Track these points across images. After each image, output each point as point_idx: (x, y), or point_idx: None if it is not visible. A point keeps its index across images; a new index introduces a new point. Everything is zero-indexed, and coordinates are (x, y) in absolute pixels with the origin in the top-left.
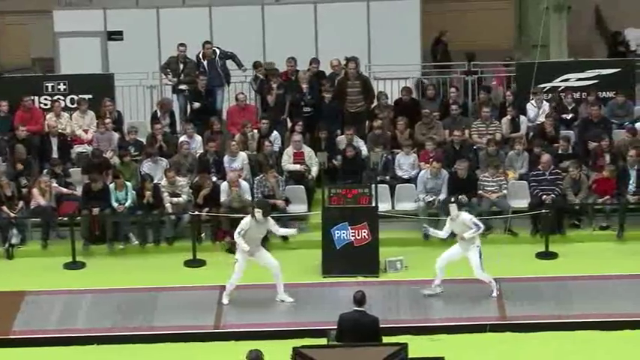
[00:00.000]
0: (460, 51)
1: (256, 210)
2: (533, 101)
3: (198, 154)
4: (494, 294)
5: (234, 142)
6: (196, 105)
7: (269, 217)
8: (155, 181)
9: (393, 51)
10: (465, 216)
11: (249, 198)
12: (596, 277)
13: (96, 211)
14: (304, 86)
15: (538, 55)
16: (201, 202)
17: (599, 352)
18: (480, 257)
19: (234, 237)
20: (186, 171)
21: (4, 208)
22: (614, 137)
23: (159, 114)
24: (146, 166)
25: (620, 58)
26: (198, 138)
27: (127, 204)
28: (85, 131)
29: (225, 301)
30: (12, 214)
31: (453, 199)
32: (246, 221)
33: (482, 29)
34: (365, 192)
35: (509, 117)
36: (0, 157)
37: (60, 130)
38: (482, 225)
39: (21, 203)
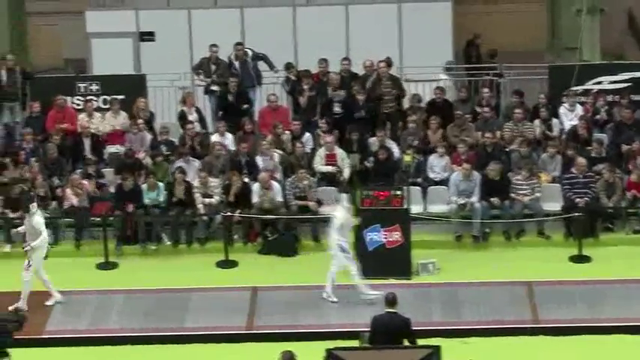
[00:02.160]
0: (492, 53)
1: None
2: (566, 104)
3: (229, 154)
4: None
5: (265, 143)
6: (246, 106)
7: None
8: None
9: (425, 53)
10: None
11: (281, 199)
12: (630, 281)
13: (131, 207)
14: (335, 88)
15: (579, 56)
16: (232, 199)
17: (633, 357)
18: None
19: None
20: (218, 172)
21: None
22: None
23: (185, 110)
24: (178, 166)
25: None
26: (230, 136)
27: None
28: (118, 132)
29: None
30: (45, 214)
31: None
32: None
33: (515, 31)
34: (397, 194)
35: (541, 119)
36: (33, 157)
37: (92, 131)
38: None
39: (54, 203)
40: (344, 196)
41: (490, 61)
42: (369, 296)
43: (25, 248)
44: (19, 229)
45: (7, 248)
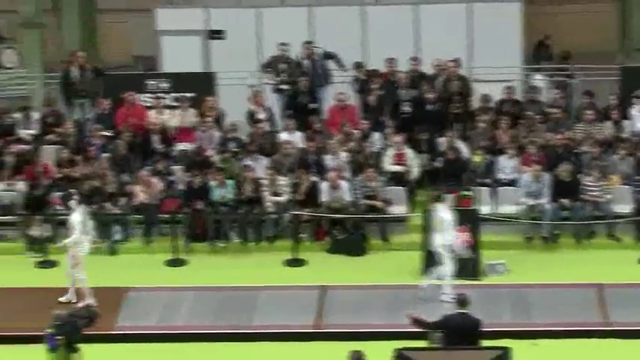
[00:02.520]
0: (562, 54)
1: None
2: (637, 105)
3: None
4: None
5: (334, 142)
6: (314, 105)
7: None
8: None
9: (494, 53)
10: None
11: (349, 198)
12: None
13: (201, 204)
14: (405, 87)
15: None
16: (301, 197)
17: None
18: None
19: None
20: (287, 170)
21: (108, 204)
22: None
23: (254, 109)
24: (246, 164)
25: None
26: (298, 134)
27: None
28: (187, 129)
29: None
30: (114, 210)
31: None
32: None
33: (585, 32)
34: (466, 194)
35: (612, 121)
36: (103, 153)
37: (162, 127)
38: None
39: (123, 199)
40: (448, 196)
41: (563, 62)
42: (448, 299)
43: (58, 245)
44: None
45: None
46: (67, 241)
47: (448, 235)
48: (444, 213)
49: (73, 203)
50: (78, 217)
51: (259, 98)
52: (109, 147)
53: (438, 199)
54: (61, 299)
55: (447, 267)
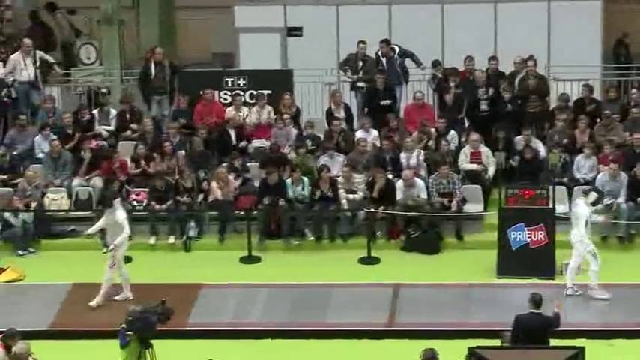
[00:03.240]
0: None
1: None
2: None
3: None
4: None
5: (410, 141)
6: (386, 102)
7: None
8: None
9: (573, 51)
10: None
11: (425, 196)
12: None
13: (281, 200)
14: (482, 85)
15: None
16: (376, 195)
17: None
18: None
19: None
20: (363, 168)
21: (184, 199)
22: None
23: (333, 108)
24: (323, 162)
25: None
26: (375, 132)
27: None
28: (263, 126)
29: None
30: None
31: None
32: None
33: None
34: (542, 193)
35: None
36: (180, 150)
37: (239, 124)
38: None
39: (200, 196)
40: (592, 194)
41: None
42: (601, 296)
43: (110, 247)
44: (97, 226)
45: (152, 240)
46: (117, 241)
47: (582, 231)
48: (580, 208)
49: (117, 201)
50: (124, 214)
51: (338, 96)
52: (186, 144)
53: (585, 194)
54: (117, 297)
55: (575, 260)
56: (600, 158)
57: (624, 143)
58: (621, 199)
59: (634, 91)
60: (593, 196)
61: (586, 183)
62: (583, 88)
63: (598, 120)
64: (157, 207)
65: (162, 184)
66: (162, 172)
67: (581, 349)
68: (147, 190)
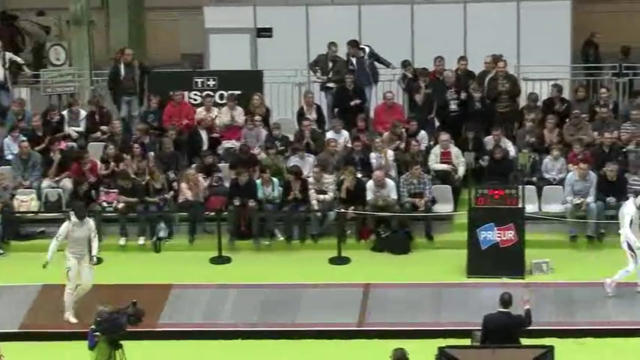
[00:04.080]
0: (611, 52)
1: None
2: None
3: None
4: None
5: (380, 140)
6: (356, 102)
7: (88, 220)
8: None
9: (543, 51)
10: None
11: (395, 197)
12: None
13: (251, 201)
14: (452, 86)
15: None
16: (344, 195)
17: None
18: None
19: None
20: (333, 169)
21: (154, 200)
22: None
23: (305, 109)
24: (293, 162)
25: None
26: (345, 133)
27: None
28: (234, 127)
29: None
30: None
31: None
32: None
33: (635, 31)
34: (512, 193)
35: None
36: (150, 151)
37: (209, 125)
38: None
39: (168, 195)
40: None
41: (624, 57)
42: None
43: (94, 262)
44: (53, 250)
45: (122, 241)
46: (95, 252)
47: (625, 229)
48: (627, 208)
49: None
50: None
51: (310, 97)
52: (155, 144)
53: (636, 195)
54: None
55: (630, 263)
56: (569, 158)
57: (593, 143)
58: (590, 199)
59: (603, 90)
60: (638, 198)
61: (555, 182)
62: (552, 88)
63: (567, 120)
64: (123, 205)
65: (128, 184)
66: (125, 172)
67: (551, 348)
68: (116, 190)
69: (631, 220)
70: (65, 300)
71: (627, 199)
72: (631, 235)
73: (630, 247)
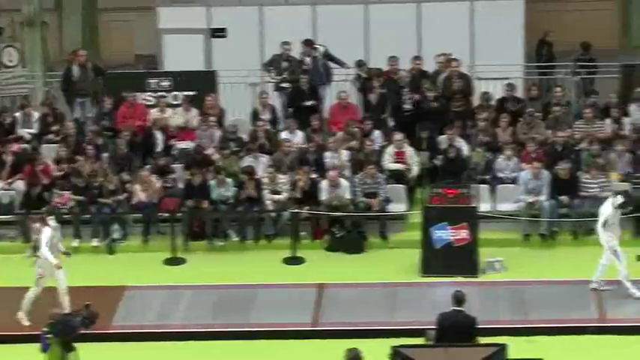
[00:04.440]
0: (564, 51)
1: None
2: (635, 104)
3: (298, 151)
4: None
5: (335, 140)
6: (311, 102)
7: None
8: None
9: (496, 50)
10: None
11: (349, 196)
12: None
13: (205, 203)
14: (406, 85)
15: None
16: (299, 195)
17: None
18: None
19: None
20: (287, 168)
21: (107, 201)
22: None
23: (260, 109)
24: (247, 163)
25: None
26: (300, 134)
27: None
28: (188, 128)
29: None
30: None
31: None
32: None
33: (587, 29)
34: (465, 192)
35: (612, 118)
36: (103, 152)
37: (163, 126)
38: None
39: (121, 197)
40: (619, 197)
41: (585, 52)
42: (635, 295)
43: (69, 254)
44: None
45: (76, 243)
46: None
47: (599, 228)
48: (604, 207)
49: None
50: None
51: (264, 98)
52: (109, 146)
53: (615, 195)
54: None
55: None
56: (523, 156)
57: (546, 141)
58: (544, 197)
59: (558, 89)
60: (619, 199)
61: (509, 181)
62: (505, 87)
63: (521, 118)
64: (74, 204)
65: (81, 182)
66: (78, 170)
67: (503, 346)
68: (70, 192)
69: (606, 220)
70: (25, 303)
71: (580, 197)
72: (603, 235)
73: (609, 247)
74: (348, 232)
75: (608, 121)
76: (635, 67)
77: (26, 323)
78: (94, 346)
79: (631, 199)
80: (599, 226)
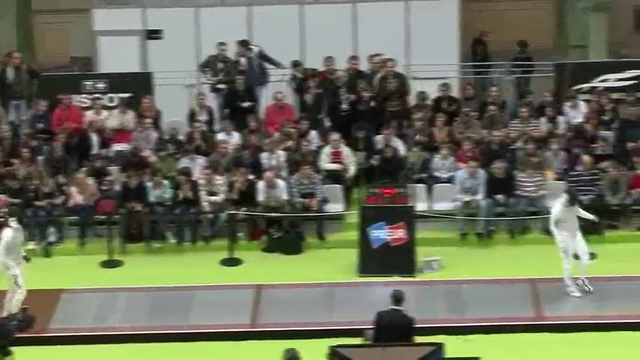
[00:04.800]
0: (499, 51)
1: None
2: (569, 103)
3: (235, 152)
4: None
5: (271, 141)
6: (247, 104)
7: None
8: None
9: (432, 50)
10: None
11: (286, 197)
12: (634, 278)
13: (139, 206)
14: (342, 85)
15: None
16: (236, 196)
17: (636, 353)
18: None
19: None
20: (224, 170)
21: (42, 203)
22: None
23: (197, 111)
24: (183, 164)
25: None
26: (236, 135)
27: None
28: (124, 130)
29: None
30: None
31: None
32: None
33: (522, 29)
34: (402, 192)
35: (547, 117)
36: (39, 155)
37: (99, 128)
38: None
39: (57, 199)
40: (564, 195)
41: (523, 50)
42: (572, 293)
43: (29, 259)
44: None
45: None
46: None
47: (551, 226)
48: (554, 208)
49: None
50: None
51: (201, 100)
52: (44, 148)
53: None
54: None
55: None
56: (459, 156)
57: (482, 140)
58: (480, 196)
59: (494, 88)
60: (564, 197)
61: (445, 180)
62: (441, 87)
63: (457, 118)
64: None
65: (16, 184)
66: (11, 173)
67: (441, 345)
68: (5, 195)
69: (558, 219)
70: (13, 307)
71: (516, 196)
72: (557, 235)
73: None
74: (286, 233)
75: (543, 120)
76: (570, 66)
77: None
78: (32, 349)
79: (575, 197)
80: (552, 226)
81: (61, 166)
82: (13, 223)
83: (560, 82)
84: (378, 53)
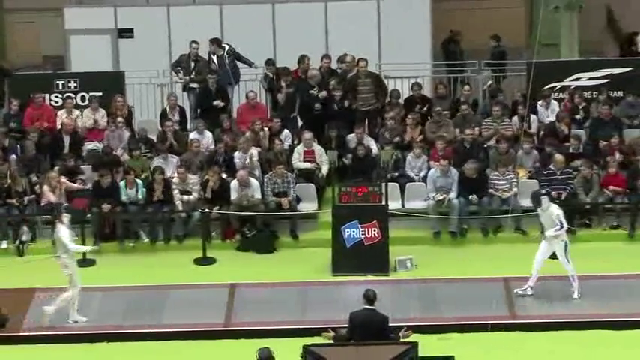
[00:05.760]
0: (471, 50)
1: (64, 215)
2: (540, 102)
3: (208, 151)
4: (575, 295)
5: (243, 140)
6: (218, 103)
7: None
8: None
9: (404, 49)
10: (554, 209)
11: (259, 196)
12: (607, 277)
13: (106, 207)
14: (314, 84)
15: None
16: (209, 196)
17: (609, 352)
18: (566, 250)
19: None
20: (197, 169)
21: (15, 202)
22: (625, 136)
23: (168, 111)
24: (156, 164)
25: (631, 58)
26: (209, 134)
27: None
28: (96, 129)
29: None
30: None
31: (544, 191)
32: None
33: (494, 28)
34: (375, 190)
35: (519, 116)
36: (11, 154)
37: (71, 127)
38: (565, 224)
39: (27, 198)
40: (545, 198)
41: (497, 45)
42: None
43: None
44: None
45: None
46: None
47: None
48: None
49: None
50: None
51: (173, 99)
52: (17, 147)
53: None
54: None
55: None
56: (432, 155)
57: (455, 139)
58: (453, 195)
59: (466, 87)
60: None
61: (418, 179)
62: (413, 86)
63: (429, 117)
64: None
65: None
66: None
67: (415, 344)
68: None
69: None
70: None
71: (489, 194)
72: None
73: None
74: (259, 232)
75: (515, 118)
76: (542, 65)
77: (83, 319)
78: (5, 348)
79: (537, 199)
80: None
81: (34, 165)
82: (66, 219)
83: (532, 81)
84: (347, 54)
